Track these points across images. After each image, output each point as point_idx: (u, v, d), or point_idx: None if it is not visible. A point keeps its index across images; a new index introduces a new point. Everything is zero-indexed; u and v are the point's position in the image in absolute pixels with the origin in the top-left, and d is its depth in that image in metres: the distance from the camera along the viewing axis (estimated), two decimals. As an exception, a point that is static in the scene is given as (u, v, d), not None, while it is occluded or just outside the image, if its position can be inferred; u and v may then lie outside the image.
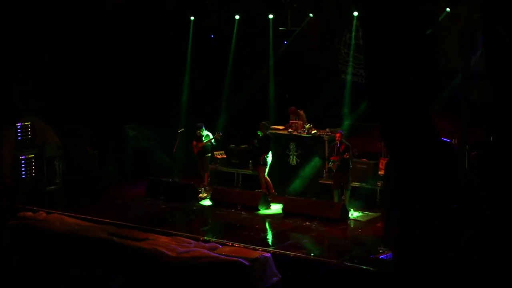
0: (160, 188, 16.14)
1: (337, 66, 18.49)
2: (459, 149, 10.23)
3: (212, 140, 16.31)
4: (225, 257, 10.81)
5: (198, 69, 20.12)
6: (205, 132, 16.29)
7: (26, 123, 16.39)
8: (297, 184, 15.70)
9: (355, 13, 16.96)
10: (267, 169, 15.53)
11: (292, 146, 15.87)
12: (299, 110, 16.13)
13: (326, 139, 15.39)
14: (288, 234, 13.02)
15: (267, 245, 12.25)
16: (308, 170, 15.60)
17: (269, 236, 13.22)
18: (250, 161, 17.07)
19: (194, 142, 16.42)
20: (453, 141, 12.90)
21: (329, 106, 17.49)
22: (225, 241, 12.13)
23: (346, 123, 17.15)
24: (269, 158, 15.45)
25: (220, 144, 18.43)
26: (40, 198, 15.92)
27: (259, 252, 11.11)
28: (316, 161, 15.56)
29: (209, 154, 16.49)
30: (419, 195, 9.58)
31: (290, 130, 16.09)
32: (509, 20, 8.70)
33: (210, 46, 20.15)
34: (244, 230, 13.27)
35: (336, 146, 14.34)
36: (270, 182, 15.62)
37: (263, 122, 15.65)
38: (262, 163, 15.44)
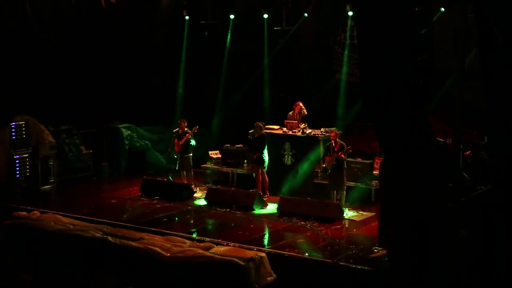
0: (155, 188, 16.14)
1: (332, 66, 18.49)
2: (453, 149, 10.26)
3: (192, 141, 16.17)
4: (220, 256, 10.80)
5: (193, 69, 20.12)
6: (187, 130, 16.23)
7: (20, 123, 16.36)
8: (292, 183, 15.69)
9: (350, 13, 16.97)
10: (265, 169, 15.53)
11: (287, 145, 15.86)
12: (304, 110, 16.05)
13: (321, 138, 15.39)
14: (283, 234, 13.03)
15: (262, 244, 12.25)
16: (303, 169, 15.61)
17: (264, 236, 13.21)
18: (245, 161, 17.06)
19: (176, 140, 16.37)
20: (447, 141, 12.93)
21: (324, 105, 17.50)
22: (220, 240, 12.14)
23: (341, 122, 17.16)
24: (266, 157, 15.44)
25: (215, 143, 18.44)
26: (34, 198, 15.91)
27: (254, 252, 11.10)
28: (311, 160, 15.56)
29: (191, 154, 16.35)
30: (413, 194, 9.60)
31: (285, 129, 16.09)
32: (503, 20, 8.72)
33: (205, 46, 20.15)
34: (239, 229, 13.27)
35: (331, 145, 14.36)
36: (267, 183, 15.61)
37: (258, 123, 15.60)
38: (259, 162, 15.41)
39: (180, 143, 16.18)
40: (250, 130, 15.85)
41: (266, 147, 15.40)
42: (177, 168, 16.61)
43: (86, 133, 18.53)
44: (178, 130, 16.45)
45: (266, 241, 12.76)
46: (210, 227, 13.89)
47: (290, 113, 16.12)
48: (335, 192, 14.44)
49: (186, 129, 16.24)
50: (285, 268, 11.14)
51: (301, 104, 16.07)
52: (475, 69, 9.95)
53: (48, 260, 12.32)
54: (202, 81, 20.16)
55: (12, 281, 12.44)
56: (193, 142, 16.21)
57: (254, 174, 15.59)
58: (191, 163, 16.42)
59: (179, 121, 16.45)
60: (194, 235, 12.61)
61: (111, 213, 14.58)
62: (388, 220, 10.22)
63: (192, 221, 14.31)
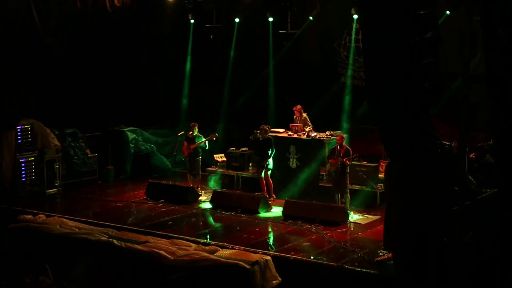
0: (160, 191, 16.15)
1: (337, 69, 18.49)
2: (459, 152, 10.22)
3: (206, 143, 16.27)
4: (225, 260, 10.82)
5: (198, 72, 20.15)
6: (197, 133, 16.29)
7: (26, 126, 16.41)
8: (297, 187, 15.69)
9: (355, 16, 16.98)
10: (269, 172, 15.55)
11: (292, 149, 15.86)
12: (303, 113, 16.07)
13: (326, 142, 15.39)
14: (288, 237, 13.02)
15: (267, 248, 12.25)
16: (308, 173, 15.60)
17: (269, 239, 13.21)
18: (250, 164, 17.08)
19: (185, 143, 16.41)
20: (453, 144, 12.91)
21: (329, 109, 17.49)
22: (225, 244, 12.13)
23: (346, 126, 17.16)
24: (271, 160, 15.47)
25: (220, 147, 18.45)
26: (40, 201, 15.94)
27: (259, 255, 11.12)
28: (316, 164, 15.56)
29: (200, 157, 16.44)
30: (419, 197, 9.58)
31: (290, 133, 16.10)
32: (509, 23, 8.70)
33: (210, 49, 20.18)
34: (244, 233, 13.27)
35: (336, 149, 14.36)
36: (272, 185, 15.62)
37: (264, 126, 15.62)
38: (265, 166, 15.43)
39: (192, 147, 16.21)
40: (256, 131, 15.83)
41: (273, 150, 15.43)
42: (187, 170, 16.66)
43: (92, 137, 18.56)
44: (184, 133, 16.50)
45: (271, 244, 12.76)
46: (215, 230, 13.88)
47: (295, 116, 16.12)
48: (339, 195, 14.44)
49: (197, 133, 16.29)
50: (290, 271, 11.15)
51: (297, 108, 16.04)
52: (480, 72, 9.93)
53: (53, 264, 12.34)
54: (207, 85, 20.17)
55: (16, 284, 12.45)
56: (207, 146, 16.35)
57: (262, 176, 15.61)
58: (200, 166, 16.48)
59: (191, 125, 16.47)
60: (205, 239, 12.59)
61: (116, 216, 14.61)
62: (393, 223, 10.20)
63: (198, 225, 14.31)
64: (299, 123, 15.90)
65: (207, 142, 16.26)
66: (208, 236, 13.06)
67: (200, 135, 16.26)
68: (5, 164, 15.86)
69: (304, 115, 15.98)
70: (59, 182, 16.97)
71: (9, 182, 15.95)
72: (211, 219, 14.61)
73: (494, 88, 9.01)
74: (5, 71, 15.66)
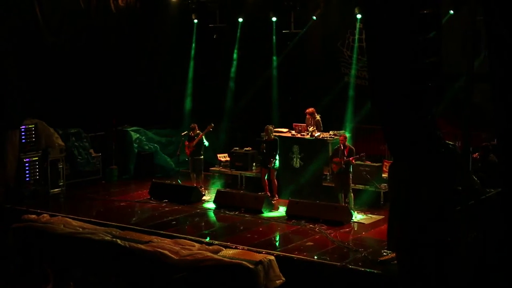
0: (164, 191, 16.17)
1: (340, 69, 18.47)
2: (462, 152, 10.21)
3: (205, 142, 16.27)
4: (229, 259, 10.82)
5: (202, 72, 20.17)
6: (198, 132, 16.34)
7: (30, 126, 16.44)
8: (300, 186, 15.68)
9: (358, 16, 16.97)
10: (275, 172, 15.55)
11: (296, 148, 15.86)
12: (316, 114, 16.04)
13: (330, 141, 15.39)
14: (292, 237, 13.02)
15: (271, 247, 12.24)
16: (311, 172, 15.59)
17: (273, 239, 13.21)
18: (254, 164, 17.08)
19: (187, 143, 16.44)
20: (456, 144, 12.88)
21: (332, 108, 17.48)
22: (228, 243, 12.14)
23: (350, 125, 17.15)
24: (277, 160, 15.49)
25: (223, 146, 18.46)
26: (43, 201, 15.99)
27: (262, 255, 11.11)
28: (319, 163, 15.55)
29: (202, 157, 16.46)
30: (422, 197, 9.57)
31: (293, 132, 16.10)
32: (513, 22, 8.69)
33: (214, 49, 20.20)
34: (247, 232, 13.27)
35: (340, 148, 14.36)
36: (277, 186, 15.62)
37: (268, 126, 15.61)
38: (272, 166, 15.43)
39: (192, 144, 16.25)
40: (259, 132, 15.83)
41: (277, 151, 15.45)
42: (189, 170, 16.69)
43: (95, 136, 18.60)
44: (187, 133, 16.53)
45: (275, 244, 12.75)
46: (218, 230, 13.88)
47: (307, 118, 16.09)
48: (342, 195, 14.44)
49: (198, 131, 16.33)
50: (294, 271, 11.15)
51: (309, 111, 16.01)
52: (484, 71, 9.92)
53: (57, 263, 12.36)
54: (211, 84, 20.19)
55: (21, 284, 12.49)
56: (206, 143, 16.32)
57: (266, 177, 15.60)
58: (202, 166, 16.49)
59: (191, 126, 16.52)
60: (207, 239, 12.61)
61: (120, 216, 14.63)
62: (397, 223, 10.19)
63: (201, 224, 14.32)
64: (311, 126, 15.84)
65: (204, 138, 16.24)
66: (211, 236, 13.05)
67: (201, 132, 16.30)
68: (9, 163, 15.89)
69: (318, 117, 15.93)
70: (63, 181, 17.01)
71: (13, 182, 15.98)
72: (214, 219, 14.62)
73: (497, 88, 9.00)
74: (8, 71, 15.67)
